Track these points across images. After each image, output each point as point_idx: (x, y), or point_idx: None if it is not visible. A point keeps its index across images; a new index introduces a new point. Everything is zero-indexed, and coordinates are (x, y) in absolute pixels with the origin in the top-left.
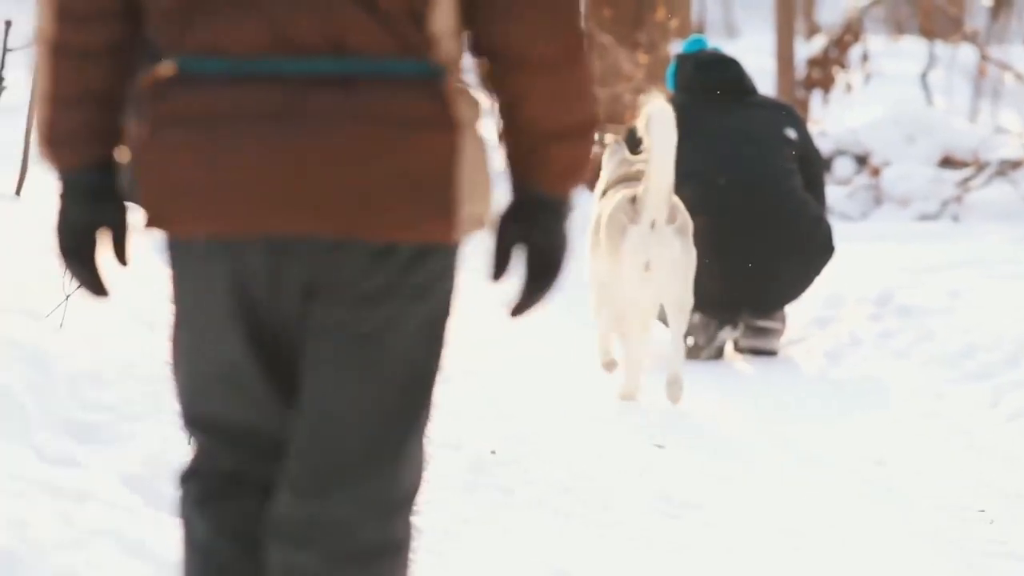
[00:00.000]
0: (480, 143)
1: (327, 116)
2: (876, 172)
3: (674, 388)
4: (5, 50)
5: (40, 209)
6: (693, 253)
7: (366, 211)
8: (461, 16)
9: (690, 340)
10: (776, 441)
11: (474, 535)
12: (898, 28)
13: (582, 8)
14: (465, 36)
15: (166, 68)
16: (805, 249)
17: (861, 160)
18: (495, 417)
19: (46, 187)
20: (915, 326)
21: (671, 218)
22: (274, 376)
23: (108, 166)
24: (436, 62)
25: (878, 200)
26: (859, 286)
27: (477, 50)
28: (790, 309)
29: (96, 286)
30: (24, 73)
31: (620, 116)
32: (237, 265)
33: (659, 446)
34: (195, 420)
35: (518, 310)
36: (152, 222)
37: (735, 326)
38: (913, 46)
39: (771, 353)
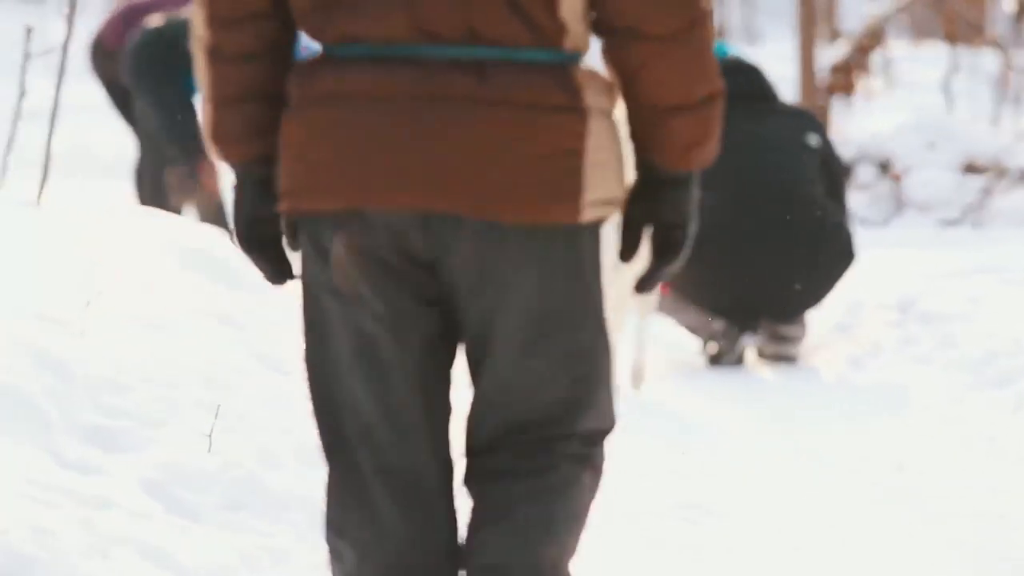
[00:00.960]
0: (612, 128)
1: (461, 101)
2: (898, 178)
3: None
4: (27, 57)
5: (61, 216)
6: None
7: (496, 192)
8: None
9: (711, 346)
10: (797, 447)
11: None
12: (920, 34)
13: None
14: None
15: (313, 57)
16: (826, 255)
17: (883, 166)
18: None
19: (67, 194)
20: (936, 332)
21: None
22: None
23: (271, 160)
24: (565, 48)
25: (900, 206)
26: (880, 292)
27: (598, 27)
28: (811, 315)
29: (276, 273)
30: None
31: None
32: (365, 239)
33: (681, 453)
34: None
35: (645, 286)
36: (289, 196)
37: (756, 332)
38: (935, 52)
39: (792, 359)
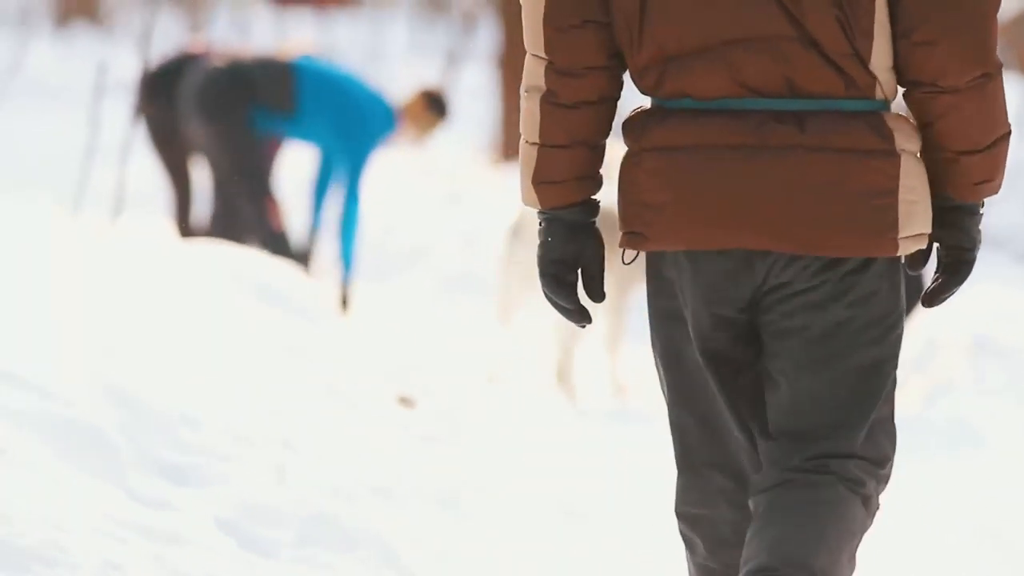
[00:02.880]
0: (921, 169)
1: (784, 148)
2: None
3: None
4: (100, 93)
5: (133, 249)
6: None
7: (819, 231)
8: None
9: None
10: None
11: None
12: None
13: (996, 36)
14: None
15: (644, 109)
16: None
17: None
18: (591, 463)
19: (139, 227)
20: (1011, 368)
21: None
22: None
23: (589, 205)
24: (876, 97)
25: None
26: (955, 327)
27: (901, 78)
28: None
29: (577, 314)
30: (118, 115)
31: None
32: (699, 277)
33: None
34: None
35: (934, 301)
36: (629, 237)
37: None
38: (1010, 85)
39: None
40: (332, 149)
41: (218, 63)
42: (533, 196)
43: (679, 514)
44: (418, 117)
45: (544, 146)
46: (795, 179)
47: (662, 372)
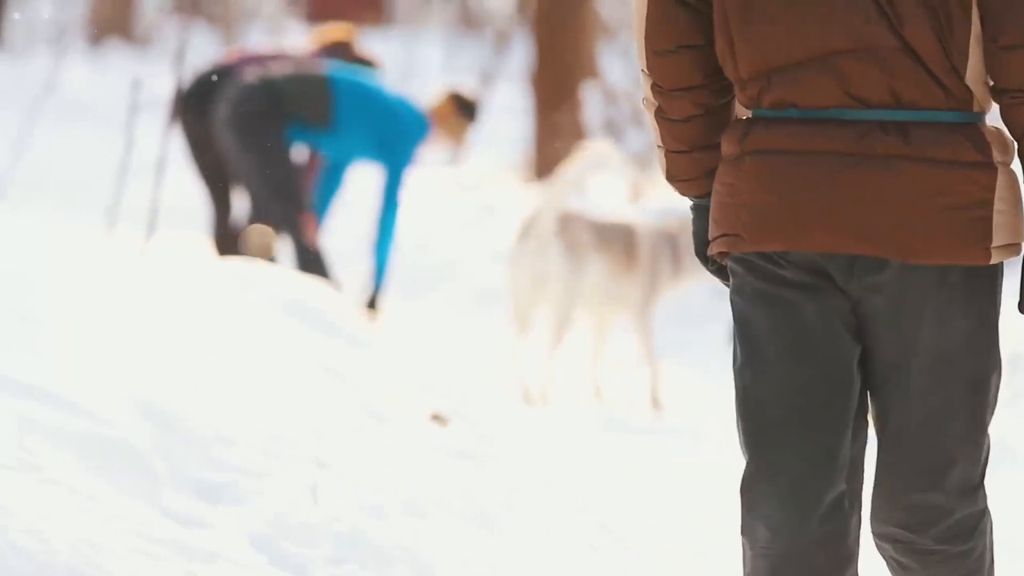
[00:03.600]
0: (1015, 181)
1: (888, 158)
2: None
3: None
4: (134, 110)
5: (167, 268)
6: (576, 269)
7: (918, 239)
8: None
9: None
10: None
11: None
12: None
13: None
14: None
15: (745, 117)
16: None
17: None
18: (623, 478)
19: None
20: None
21: (558, 232)
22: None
23: None
24: (973, 109)
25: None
26: None
27: (994, 91)
28: None
29: (724, 279)
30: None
31: None
32: (799, 279)
33: None
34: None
35: None
36: (724, 240)
37: None
38: None
39: None
40: (368, 160)
41: (251, 78)
42: (675, 189)
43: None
44: (448, 121)
45: (668, 151)
46: (898, 188)
47: (740, 367)
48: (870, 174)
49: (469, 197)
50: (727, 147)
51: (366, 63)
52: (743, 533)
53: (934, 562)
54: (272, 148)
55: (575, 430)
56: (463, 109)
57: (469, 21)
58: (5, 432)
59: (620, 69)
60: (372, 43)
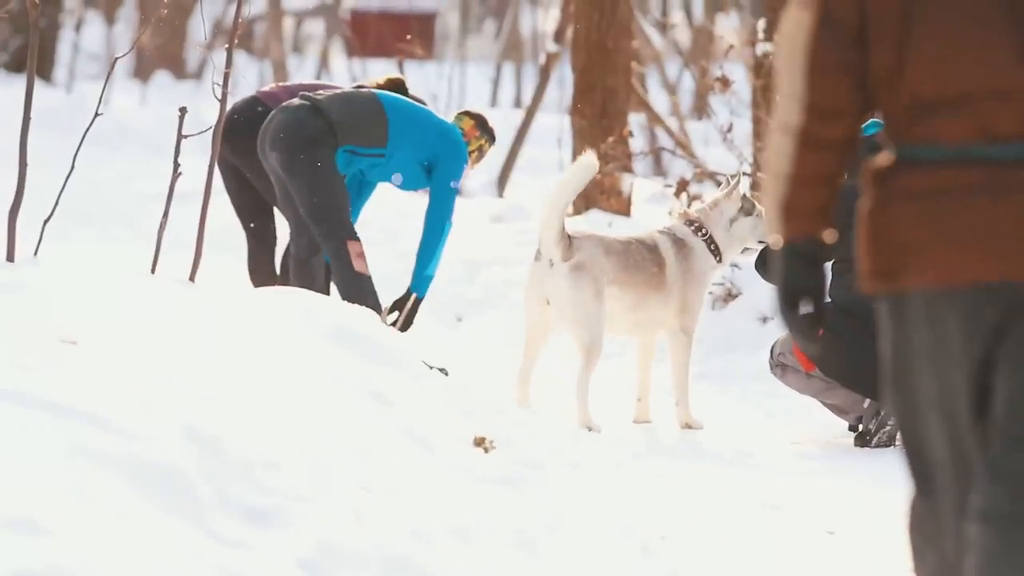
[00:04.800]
0: None
1: None
2: None
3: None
4: (181, 137)
5: (214, 295)
6: (587, 290)
7: None
8: None
9: (860, 426)
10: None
11: None
12: None
13: None
14: None
15: (886, 157)
16: None
17: None
18: (666, 502)
19: (219, 273)
20: None
21: (565, 256)
22: (978, 403)
23: (822, 239)
24: None
25: None
26: None
27: None
28: None
29: (806, 336)
30: (199, 160)
31: None
32: (955, 307)
33: (830, 532)
34: (917, 450)
35: None
36: (878, 276)
37: None
38: None
39: None
40: (417, 183)
41: (302, 101)
42: (779, 226)
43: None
44: (473, 142)
45: (796, 180)
46: None
47: (895, 404)
48: (1013, 206)
49: (512, 226)
50: (868, 191)
51: (419, 102)
52: None
53: None
54: (322, 172)
55: (618, 454)
56: (484, 129)
57: (510, 54)
58: (53, 456)
59: (661, 99)
60: (415, 74)
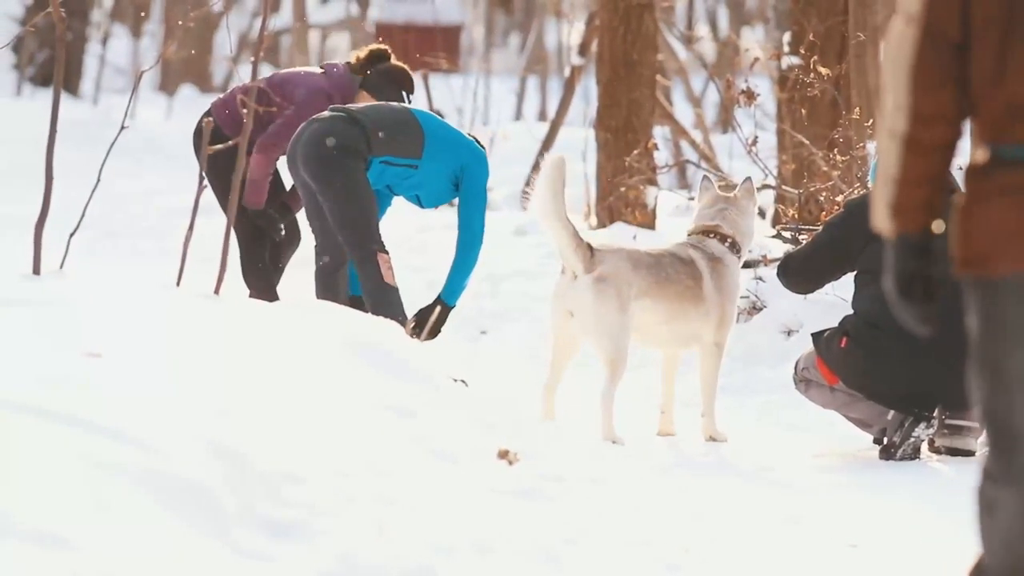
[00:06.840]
0: None
1: None
2: None
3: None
4: (205, 150)
5: (238, 308)
6: (611, 303)
7: None
8: None
9: (884, 438)
10: (976, 545)
11: None
12: None
13: None
14: None
15: (982, 155)
16: None
17: None
18: (688, 515)
19: (244, 286)
20: None
21: (587, 268)
22: None
23: (930, 231)
24: None
25: None
26: None
27: None
28: None
29: (922, 321)
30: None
31: (816, 216)
32: None
33: (853, 545)
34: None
35: None
36: (972, 264)
37: (930, 424)
38: None
39: (969, 453)
40: (441, 196)
41: (336, 112)
42: (888, 223)
43: None
44: None
45: (903, 181)
46: None
47: (988, 370)
48: None
49: (536, 239)
50: (969, 187)
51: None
52: None
53: None
54: (355, 183)
55: (641, 468)
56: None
57: (534, 68)
58: (76, 471)
59: (686, 112)
60: (440, 89)
